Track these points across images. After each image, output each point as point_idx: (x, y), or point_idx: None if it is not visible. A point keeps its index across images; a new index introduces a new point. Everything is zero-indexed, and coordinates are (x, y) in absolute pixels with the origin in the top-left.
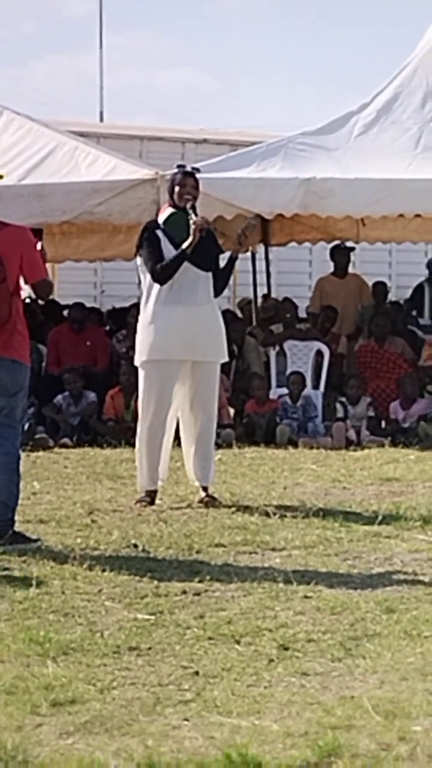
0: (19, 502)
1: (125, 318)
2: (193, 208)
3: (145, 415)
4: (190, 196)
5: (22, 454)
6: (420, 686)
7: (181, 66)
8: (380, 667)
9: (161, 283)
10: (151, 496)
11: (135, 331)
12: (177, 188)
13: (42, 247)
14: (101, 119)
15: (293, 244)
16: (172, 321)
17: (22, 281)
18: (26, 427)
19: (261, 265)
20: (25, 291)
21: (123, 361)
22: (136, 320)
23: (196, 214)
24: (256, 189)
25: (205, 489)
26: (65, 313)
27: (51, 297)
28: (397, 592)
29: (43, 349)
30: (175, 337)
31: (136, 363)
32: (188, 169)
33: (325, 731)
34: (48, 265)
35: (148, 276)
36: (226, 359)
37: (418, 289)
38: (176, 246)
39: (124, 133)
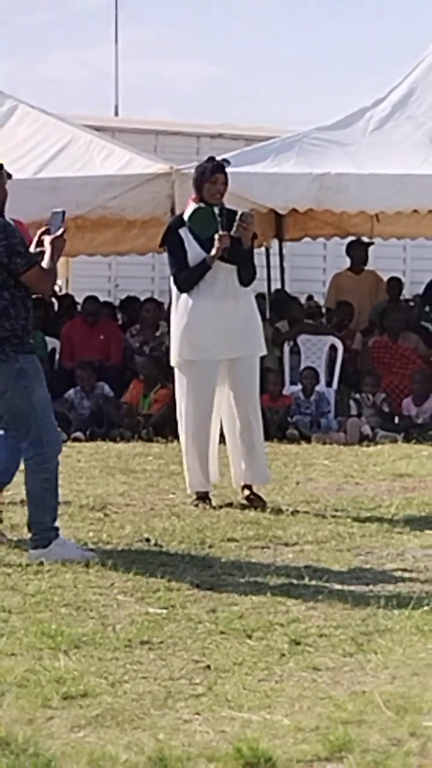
0: None
1: (138, 311)
2: (222, 208)
3: (187, 417)
4: (219, 193)
5: None
6: (431, 682)
7: (191, 59)
8: (392, 662)
9: (182, 291)
10: (204, 496)
11: (149, 326)
12: (206, 184)
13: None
14: (116, 113)
15: (307, 239)
16: (206, 317)
17: None
18: None
19: (275, 260)
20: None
21: (137, 355)
22: (151, 315)
23: (224, 214)
24: (270, 184)
25: (249, 487)
26: (79, 307)
27: (66, 291)
28: (409, 588)
29: (56, 342)
30: (210, 336)
31: (172, 363)
32: (218, 161)
33: (336, 726)
34: (62, 259)
35: None
36: (264, 352)
37: None
38: (201, 244)
39: (139, 127)
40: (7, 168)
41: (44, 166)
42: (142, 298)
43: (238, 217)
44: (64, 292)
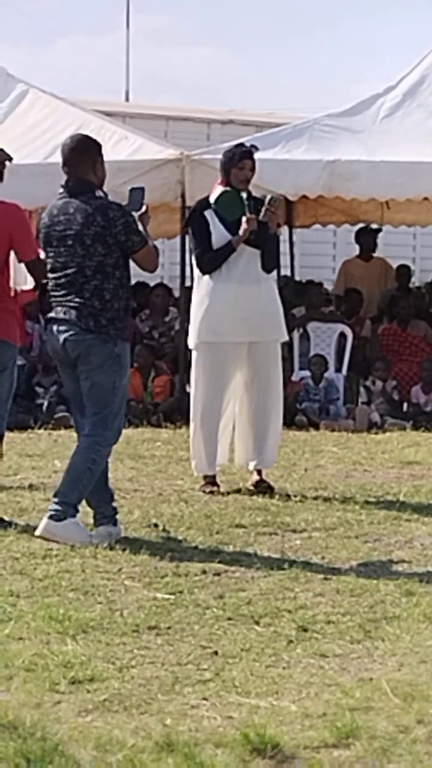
0: (41, 480)
1: (148, 297)
2: (249, 194)
3: (199, 399)
4: (247, 179)
5: (44, 433)
6: None
7: (201, 46)
8: (399, 649)
9: (205, 273)
10: (211, 480)
11: (158, 311)
12: (234, 170)
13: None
14: (127, 99)
15: (317, 226)
16: (226, 301)
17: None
18: (47, 405)
19: (285, 246)
20: None
21: (145, 340)
22: (161, 300)
23: (251, 199)
24: (281, 170)
25: (259, 473)
26: None
27: None
28: (416, 575)
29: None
30: (229, 318)
31: (190, 345)
32: (247, 147)
33: (343, 713)
34: None
35: None
36: (286, 338)
37: None
38: (227, 227)
39: (149, 112)
40: (17, 153)
41: (55, 150)
42: (152, 284)
43: (267, 200)
44: None
